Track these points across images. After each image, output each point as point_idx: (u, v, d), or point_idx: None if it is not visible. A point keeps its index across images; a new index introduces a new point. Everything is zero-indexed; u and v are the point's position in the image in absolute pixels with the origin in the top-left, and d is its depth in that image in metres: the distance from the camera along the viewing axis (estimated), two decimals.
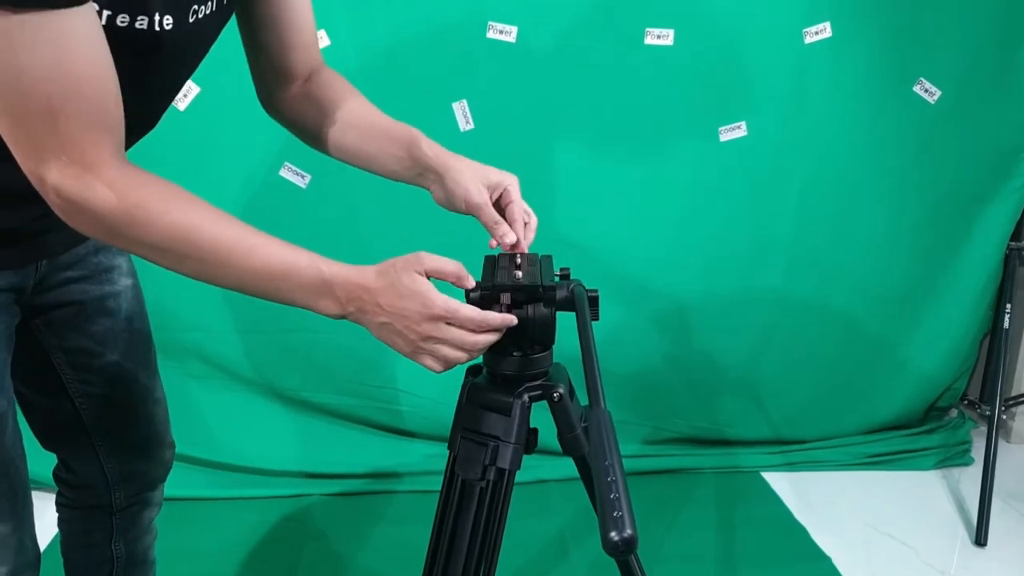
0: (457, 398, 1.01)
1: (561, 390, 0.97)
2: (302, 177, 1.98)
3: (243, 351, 2.09)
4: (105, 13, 0.74)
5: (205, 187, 1.93)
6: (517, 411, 0.95)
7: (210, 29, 0.90)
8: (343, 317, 0.84)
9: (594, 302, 0.93)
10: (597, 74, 1.97)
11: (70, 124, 0.71)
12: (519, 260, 0.99)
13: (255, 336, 2.08)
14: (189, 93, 1.92)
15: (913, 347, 2.25)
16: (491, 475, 0.95)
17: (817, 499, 2.09)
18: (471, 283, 0.90)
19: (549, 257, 1.02)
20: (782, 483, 2.15)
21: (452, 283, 0.88)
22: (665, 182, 2.07)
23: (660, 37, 1.95)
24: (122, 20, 0.75)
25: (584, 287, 0.94)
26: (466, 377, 1.02)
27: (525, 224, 1.02)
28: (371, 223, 2.01)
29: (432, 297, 0.82)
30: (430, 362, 0.86)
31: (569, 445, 0.99)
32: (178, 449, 2.05)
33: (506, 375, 0.97)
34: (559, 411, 0.98)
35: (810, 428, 2.28)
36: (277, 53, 1.04)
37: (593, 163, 2.04)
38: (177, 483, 1.96)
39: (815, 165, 2.08)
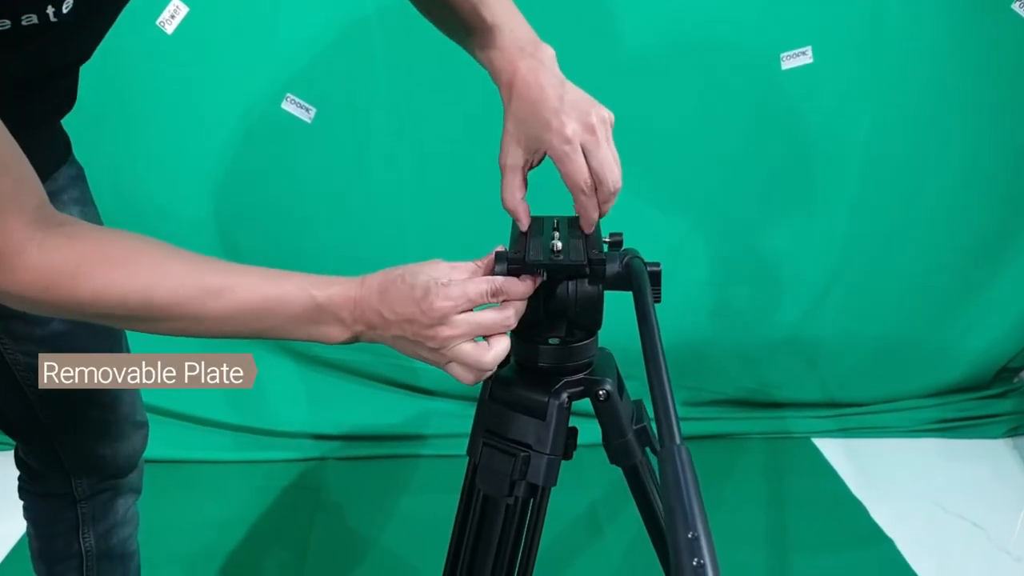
0: None
1: (608, 387, 0.78)
2: (307, 110, 1.77)
3: None
4: None
5: (197, 124, 1.77)
6: (554, 414, 0.76)
7: None
8: (354, 340, 0.71)
9: (655, 279, 0.72)
10: None
11: None
12: (556, 224, 0.78)
13: None
14: (177, 14, 1.69)
15: (987, 303, 2.03)
16: (520, 491, 0.77)
17: (875, 470, 1.90)
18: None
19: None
20: (836, 451, 1.97)
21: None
22: (718, 115, 1.84)
23: None
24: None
25: (642, 259, 0.73)
26: None
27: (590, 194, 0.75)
28: (383, 162, 1.82)
29: (433, 291, 0.66)
30: (457, 370, 0.70)
31: (617, 453, 0.81)
32: (178, 407, 1.93)
33: (541, 368, 0.77)
34: (606, 412, 0.79)
35: (867, 390, 2.08)
36: None
37: (636, 94, 1.80)
38: (176, 444, 1.86)
39: (889, 98, 1.84)
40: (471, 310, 0.68)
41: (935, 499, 1.80)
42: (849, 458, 1.94)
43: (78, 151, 1.00)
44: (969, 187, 1.93)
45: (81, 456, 1.03)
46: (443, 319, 0.66)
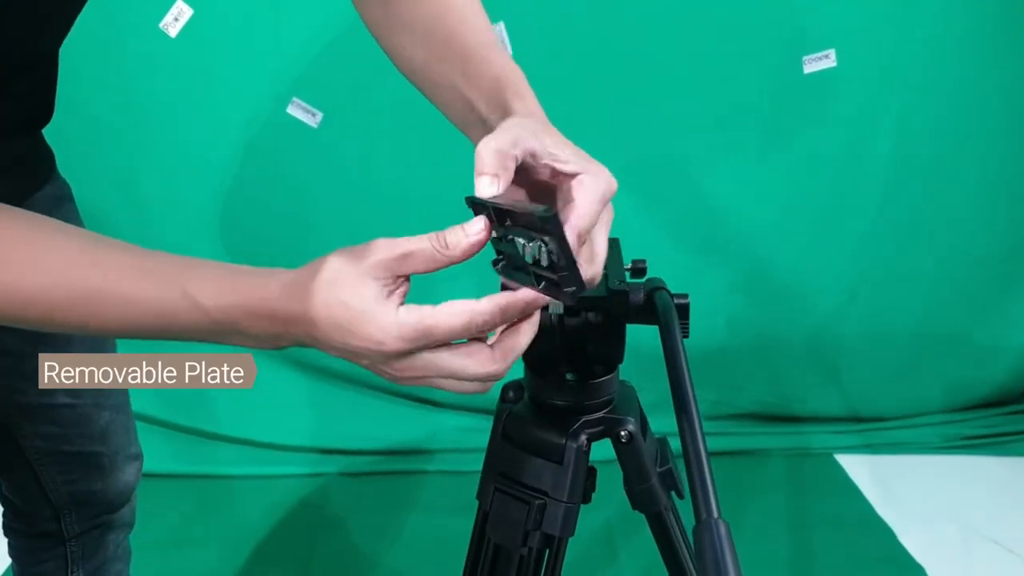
0: None
1: (631, 427, 0.71)
2: (313, 115, 1.71)
3: None
4: None
5: (201, 128, 1.72)
6: (572, 458, 0.69)
7: None
8: (283, 348, 0.56)
9: (684, 312, 0.66)
10: None
11: None
12: (550, 246, 0.50)
13: None
14: (181, 17, 1.64)
15: (1017, 313, 1.96)
16: (535, 542, 0.70)
17: (901, 489, 1.82)
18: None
19: (616, 241, 0.75)
20: (859, 468, 1.90)
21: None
22: (738, 120, 1.78)
23: None
24: None
25: (669, 291, 0.67)
26: (501, 401, 0.76)
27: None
28: (391, 168, 1.77)
29: (384, 327, 0.51)
30: (453, 384, 0.55)
31: (640, 499, 0.74)
32: (180, 420, 1.88)
33: (556, 406, 0.71)
34: (628, 455, 0.72)
35: (891, 404, 2.01)
36: None
37: (651, 96, 1.75)
38: (177, 458, 1.81)
39: (915, 101, 1.78)
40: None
41: (966, 522, 1.72)
42: (873, 476, 1.87)
43: (80, 156, 0.95)
44: (997, 191, 1.86)
45: (70, 492, 0.97)
46: (404, 358, 0.52)
